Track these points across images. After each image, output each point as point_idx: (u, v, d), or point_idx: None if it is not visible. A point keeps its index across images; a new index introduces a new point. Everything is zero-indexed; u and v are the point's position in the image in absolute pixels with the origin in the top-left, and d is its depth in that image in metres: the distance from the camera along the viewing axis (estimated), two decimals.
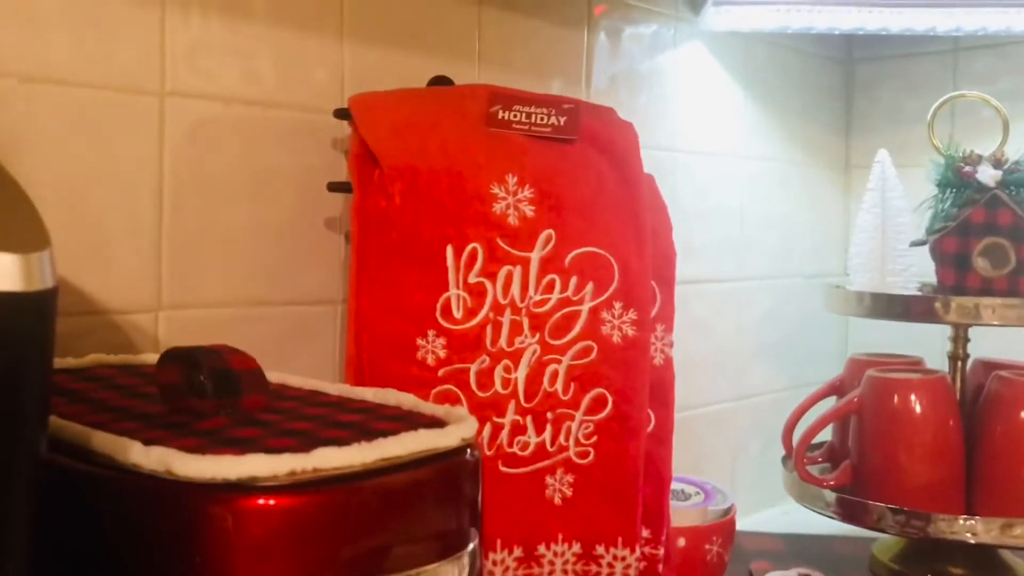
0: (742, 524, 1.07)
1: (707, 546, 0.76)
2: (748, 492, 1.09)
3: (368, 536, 0.33)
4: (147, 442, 0.33)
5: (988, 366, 0.88)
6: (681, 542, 0.75)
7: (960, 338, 0.89)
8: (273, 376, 0.49)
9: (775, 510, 1.11)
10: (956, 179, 0.85)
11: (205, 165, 0.63)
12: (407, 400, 0.42)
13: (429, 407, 0.42)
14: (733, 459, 1.08)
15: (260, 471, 0.32)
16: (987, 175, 0.83)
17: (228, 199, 0.64)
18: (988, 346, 0.94)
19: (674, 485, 0.80)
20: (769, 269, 1.11)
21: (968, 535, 0.78)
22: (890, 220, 0.89)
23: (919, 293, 0.84)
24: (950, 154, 0.86)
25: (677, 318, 1.00)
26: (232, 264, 0.65)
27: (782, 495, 0.96)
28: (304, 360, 0.65)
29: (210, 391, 0.38)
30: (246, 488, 0.31)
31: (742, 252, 1.07)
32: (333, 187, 0.60)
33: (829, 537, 0.99)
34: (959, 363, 0.90)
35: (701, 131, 1.01)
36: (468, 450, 0.38)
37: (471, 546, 0.37)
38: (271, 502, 0.31)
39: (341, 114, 0.62)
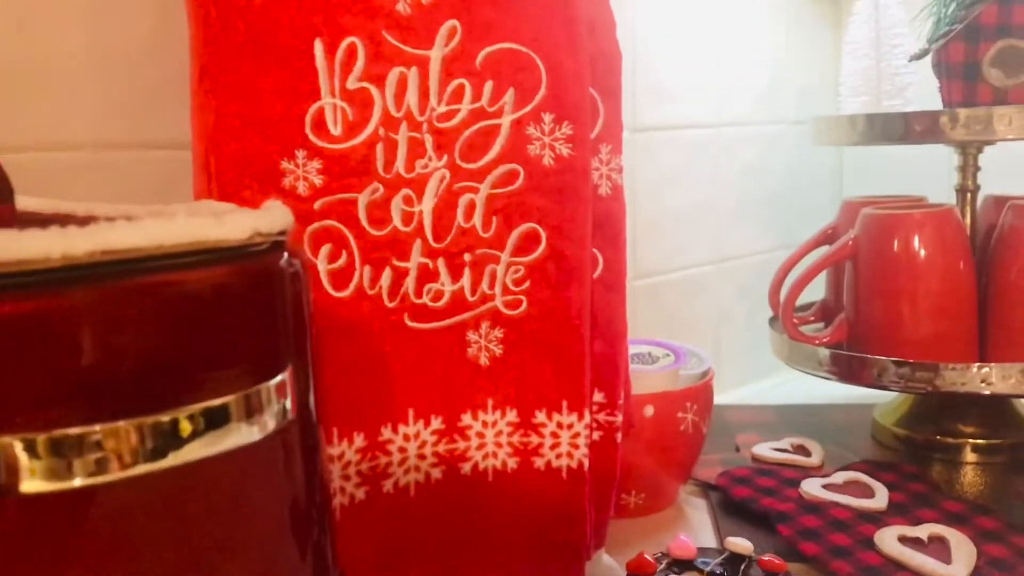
0: (729, 398, 0.97)
1: (680, 414, 0.65)
2: (735, 363, 0.99)
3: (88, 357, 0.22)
4: None
5: (1002, 201, 0.76)
6: (649, 410, 0.64)
7: (970, 166, 0.77)
8: (79, 207, 0.37)
9: (767, 382, 1.00)
10: None
11: None
12: (223, 208, 0.31)
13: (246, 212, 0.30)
14: (716, 328, 0.97)
15: None
16: None
17: (62, 19, 0.52)
18: (1002, 182, 0.82)
19: (640, 347, 0.69)
20: (751, 114, 0.98)
21: (983, 385, 0.67)
22: (885, 33, 0.76)
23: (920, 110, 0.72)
24: None
25: (646, 170, 0.88)
26: (71, 100, 0.53)
27: (773, 365, 0.85)
28: None
29: None
30: None
31: (720, 95, 0.94)
32: None
33: (827, 406, 0.89)
34: (968, 195, 0.78)
35: None
36: (269, 251, 0.26)
37: (278, 379, 0.25)
38: None
39: None
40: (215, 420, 0.24)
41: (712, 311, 0.96)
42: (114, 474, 0.22)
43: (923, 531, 0.58)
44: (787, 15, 1.01)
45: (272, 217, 0.26)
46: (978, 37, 0.71)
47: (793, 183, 1.03)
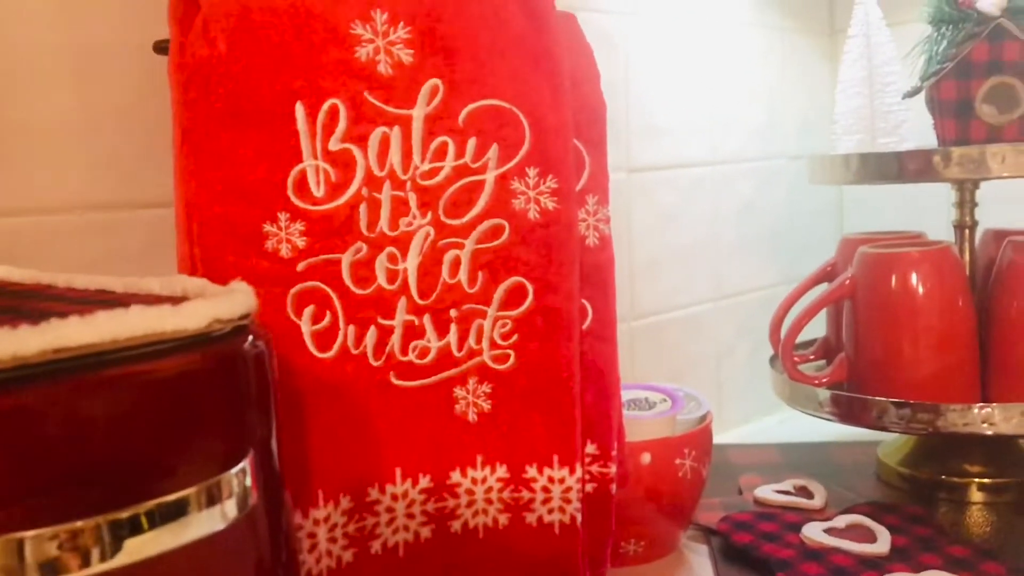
0: (732, 436, 0.96)
1: (678, 460, 0.64)
2: (738, 401, 0.98)
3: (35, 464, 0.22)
4: None
5: (1001, 235, 0.75)
6: (646, 458, 0.64)
7: (966, 202, 0.76)
8: (59, 278, 0.37)
9: (770, 419, 0.99)
10: (953, 11, 0.71)
11: (15, 43, 0.51)
12: (194, 285, 0.31)
13: (217, 289, 0.30)
14: (718, 365, 0.96)
15: None
16: (989, 2, 0.69)
17: (49, 81, 0.52)
18: (999, 215, 0.81)
19: (637, 393, 0.69)
20: (749, 150, 0.98)
21: (984, 425, 0.66)
22: (877, 71, 0.76)
23: (914, 148, 0.71)
24: None
25: (643, 210, 0.88)
26: (60, 162, 0.53)
27: (777, 402, 0.84)
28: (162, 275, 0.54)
29: None
30: None
31: (716, 132, 0.94)
32: (159, 47, 0.48)
33: (830, 444, 0.88)
34: (967, 231, 0.77)
35: None
36: (231, 336, 0.26)
37: (240, 466, 0.25)
38: None
39: None
40: (175, 513, 0.24)
41: (714, 349, 0.96)
42: (70, 574, 0.22)
43: None
44: (782, 49, 1.01)
45: (232, 302, 0.26)
46: (970, 74, 0.71)
47: (793, 218, 1.03)
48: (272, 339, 0.28)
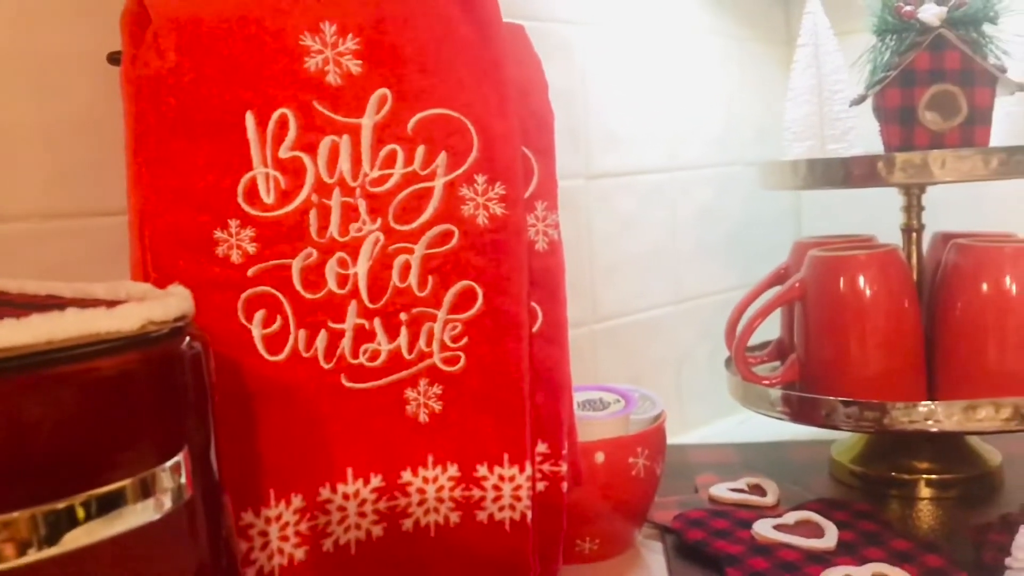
0: (693, 437, 0.98)
1: (631, 459, 0.66)
2: (699, 402, 1.00)
3: None
4: None
5: (949, 237, 0.77)
6: (600, 457, 0.65)
7: (913, 206, 0.79)
8: (11, 284, 0.38)
9: (731, 420, 1.01)
10: (895, 21, 0.73)
11: None
12: (138, 290, 0.32)
13: (159, 293, 0.31)
14: (678, 368, 0.98)
15: None
16: (930, 13, 0.72)
17: (6, 91, 0.53)
18: (949, 219, 0.84)
19: (592, 394, 0.70)
20: (707, 156, 1.00)
21: (928, 423, 0.68)
22: (826, 79, 0.78)
23: (860, 154, 0.73)
24: None
25: (602, 216, 0.90)
26: (17, 170, 0.54)
27: (736, 404, 0.86)
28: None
29: None
30: None
31: (675, 139, 0.96)
32: (113, 58, 0.49)
33: (787, 443, 0.90)
34: (914, 235, 0.79)
35: (614, 1, 0.89)
36: (167, 337, 0.27)
37: (174, 460, 0.26)
38: None
39: None
40: (111, 504, 0.25)
41: (674, 351, 0.98)
42: (7, 563, 0.23)
43: (867, 571, 0.59)
44: (740, 57, 1.03)
45: (166, 306, 0.27)
46: (913, 82, 0.73)
47: (751, 223, 1.05)
48: (209, 340, 0.30)
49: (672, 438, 0.94)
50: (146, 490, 0.25)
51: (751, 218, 1.05)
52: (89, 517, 0.24)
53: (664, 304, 0.96)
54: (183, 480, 0.27)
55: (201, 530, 0.28)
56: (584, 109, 0.86)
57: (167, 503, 0.26)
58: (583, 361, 0.88)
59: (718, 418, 1.01)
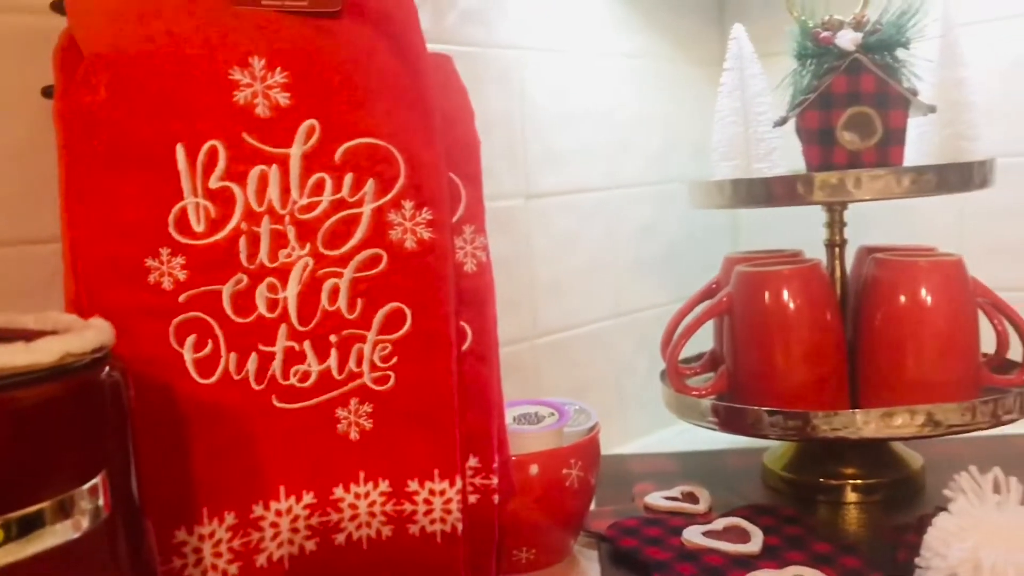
0: (635, 447, 1.00)
1: (565, 470, 0.68)
2: (639, 413, 1.02)
3: None
4: None
5: (872, 251, 0.81)
6: (534, 469, 0.67)
7: (835, 222, 0.82)
8: None
9: (672, 429, 1.04)
10: (814, 47, 0.77)
11: None
12: (65, 321, 0.33)
13: (81, 324, 0.33)
14: (619, 379, 1.01)
15: None
16: (846, 39, 0.75)
17: None
18: (878, 232, 0.88)
19: (527, 408, 0.73)
20: (646, 175, 1.03)
21: (849, 430, 0.71)
22: (751, 101, 0.82)
23: (781, 174, 0.77)
24: (805, 20, 0.78)
25: (542, 235, 0.92)
26: None
27: None
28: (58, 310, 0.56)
29: None
30: None
31: (612, 158, 0.99)
32: (47, 92, 0.51)
33: (722, 452, 0.93)
34: (836, 250, 0.83)
35: (551, 26, 0.92)
36: (86, 367, 0.29)
37: (91, 482, 0.28)
38: None
39: (57, 7, 0.52)
40: (30, 525, 0.26)
41: (614, 364, 1.00)
42: None
43: (787, 574, 0.62)
44: (675, 77, 1.06)
45: (83, 338, 0.29)
46: (831, 104, 0.76)
47: (688, 238, 1.08)
48: (129, 369, 0.31)
49: (613, 448, 0.97)
50: (65, 511, 0.27)
51: (688, 234, 1.08)
52: (9, 539, 0.26)
53: (604, 318, 0.99)
54: (100, 501, 0.28)
55: (121, 549, 0.30)
56: (523, 131, 0.89)
57: (85, 523, 0.28)
58: (525, 375, 0.90)
59: (658, 428, 1.04)
